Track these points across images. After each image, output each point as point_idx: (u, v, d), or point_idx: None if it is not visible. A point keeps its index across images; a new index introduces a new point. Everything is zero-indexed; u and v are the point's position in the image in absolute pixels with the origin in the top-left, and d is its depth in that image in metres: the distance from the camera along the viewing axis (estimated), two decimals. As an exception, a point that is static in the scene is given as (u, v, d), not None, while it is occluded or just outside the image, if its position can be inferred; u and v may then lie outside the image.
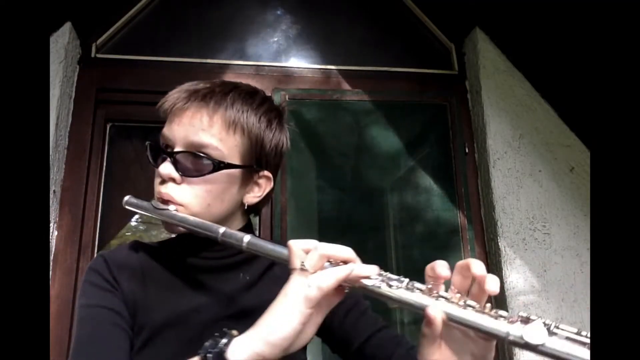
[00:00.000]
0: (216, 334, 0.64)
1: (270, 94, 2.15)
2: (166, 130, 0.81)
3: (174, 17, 2.30)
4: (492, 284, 0.60)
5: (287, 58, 2.31)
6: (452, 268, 0.65)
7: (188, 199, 0.79)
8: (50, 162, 1.86)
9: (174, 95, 0.82)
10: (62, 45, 1.99)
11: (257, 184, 0.86)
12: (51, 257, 1.85)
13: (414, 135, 2.22)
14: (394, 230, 2.11)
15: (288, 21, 2.39)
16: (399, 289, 0.62)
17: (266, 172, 0.86)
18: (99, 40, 2.17)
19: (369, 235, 2.08)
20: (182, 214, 0.78)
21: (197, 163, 0.78)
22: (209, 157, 0.78)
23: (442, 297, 0.61)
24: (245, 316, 0.78)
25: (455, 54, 2.39)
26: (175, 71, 2.15)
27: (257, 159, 0.84)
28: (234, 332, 0.63)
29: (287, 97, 2.14)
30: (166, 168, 0.78)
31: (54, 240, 1.88)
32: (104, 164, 2.06)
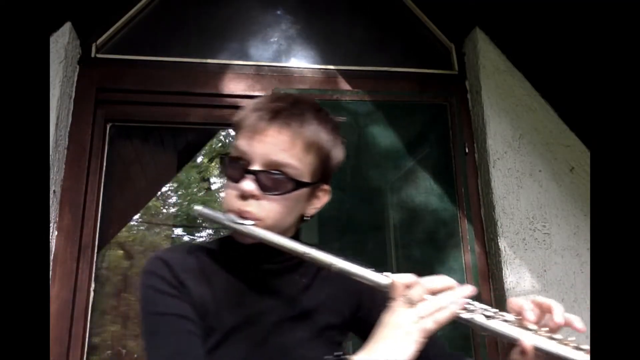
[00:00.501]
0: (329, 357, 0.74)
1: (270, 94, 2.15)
2: (245, 146, 0.83)
3: (174, 17, 2.30)
4: (580, 325, 0.73)
5: (287, 58, 2.31)
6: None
7: (265, 214, 0.82)
8: (50, 162, 1.85)
9: (256, 114, 0.84)
10: (62, 45, 1.99)
11: (317, 197, 0.91)
12: (51, 257, 1.85)
13: (414, 135, 2.22)
14: (394, 230, 2.11)
15: (288, 21, 2.39)
16: (493, 319, 0.73)
17: (326, 186, 0.92)
18: (99, 40, 2.17)
19: (369, 235, 2.08)
20: (262, 230, 0.81)
21: (278, 181, 0.82)
22: (289, 176, 0.82)
23: (530, 329, 0.72)
24: (307, 317, 0.86)
25: (455, 54, 2.39)
26: (175, 71, 2.15)
27: (323, 174, 0.89)
28: (352, 357, 0.70)
29: (287, 97, 2.14)
30: (249, 185, 0.80)
31: (54, 240, 1.88)
32: (104, 164, 2.06)
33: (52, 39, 1.98)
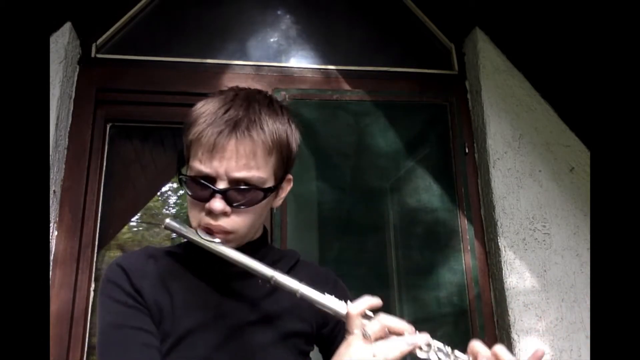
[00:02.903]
0: None
1: (270, 94, 2.15)
2: (207, 165, 0.80)
3: (174, 17, 2.30)
4: None
5: (287, 58, 2.31)
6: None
7: (237, 226, 0.82)
8: (50, 162, 1.85)
9: (211, 129, 0.80)
10: (62, 45, 1.99)
11: (283, 189, 0.92)
12: (51, 257, 1.85)
13: (414, 135, 2.22)
14: (394, 230, 2.11)
15: (288, 21, 2.39)
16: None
17: (289, 175, 0.92)
18: (99, 40, 2.17)
19: (369, 235, 2.08)
20: (231, 250, 0.82)
21: (246, 195, 0.81)
22: (257, 187, 0.82)
23: None
24: (269, 322, 0.84)
25: (455, 54, 2.39)
26: (175, 71, 2.15)
27: (286, 167, 0.89)
28: None
29: (287, 97, 2.14)
30: (219, 205, 0.79)
31: (54, 240, 1.88)
32: (104, 164, 2.06)
33: (52, 39, 1.98)
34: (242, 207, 0.82)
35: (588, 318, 1.93)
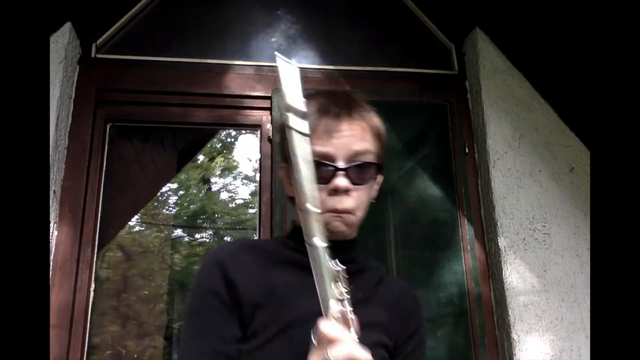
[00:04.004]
0: None
1: (270, 94, 2.15)
2: (325, 146, 0.85)
3: (174, 17, 2.30)
4: None
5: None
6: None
7: (357, 205, 0.87)
8: (50, 162, 1.85)
9: (324, 118, 0.86)
10: (62, 45, 1.99)
11: (377, 181, 0.94)
12: (51, 257, 1.85)
13: (413, 135, 2.22)
14: (394, 230, 2.11)
15: (288, 21, 2.39)
16: None
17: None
18: (99, 40, 2.17)
19: (369, 235, 2.08)
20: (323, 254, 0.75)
21: (364, 171, 0.87)
22: (371, 162, 0.87)
23: None
24: (361, 328, 0.81)
25: (455, 54, 2.39)
26: (175, 71, 2.15)
27: (382, 158, 0.92)
28: None
29: (287, 97, 2.14)
30: (343, 181, 0.84)
31: (54, 240, 1.88)
32: (104, 164, 2.06)
33: (52, 39, 1.98)
34: (361, 183, 0.86)
35: (588, 318, 1.93)
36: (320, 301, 0.71)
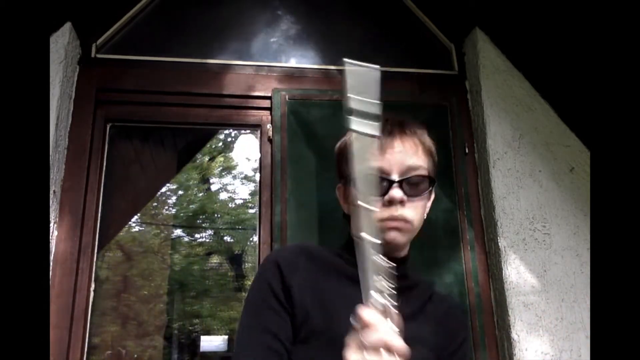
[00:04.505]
0: None
1: (270, 94, 2.15)
2: (380, 163, 0.89)
3: (174, 17, 2.30)
4: None
5: (287, 58, 2.31)
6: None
7: (412, 216, 0.90)
8: (50, 162, 1.85)
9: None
10: (62, 45, 1.99)
11: (430, 199, 0.98)
12: (51, 257, 1.85)
13: (414, 135, 2.22)
14: (394, 230, 2.11)
15: (288, 21, 2.39)
16: None
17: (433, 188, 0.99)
18: (99, 40, 2.17)
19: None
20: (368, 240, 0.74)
21: (417, 184, 0.91)
22: (424, 176, 0.92)
23: None
24: (407, 342, 0.81)
25: (455, 54, 2.39)
26: (175, 71, 2.15)
27: (434, 175, 0.96)
28: None
29: (287, 97, 2.13)
30: (398, 192, 0.88)
31: (54, 240, 1.88)
32: (104, 164, 2.06)
33: (52, 39, 1.98)
34: (416, 196, 0.90)
35: (588, 318, 1.93)
36: (362, 291, 0.72)
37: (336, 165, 1.00)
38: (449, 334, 0.95)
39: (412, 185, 0.90)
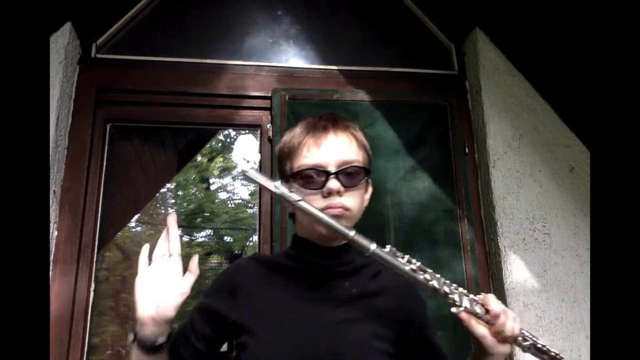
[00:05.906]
0: None
1: (270, 94, 2.15)
2: (316, 157, 0.95)
3: (174, 17, 2.30)
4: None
5: (287, 58, 2.31)
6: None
7: (351, 205, 0.95)
8: (50, 162, 1.85)
9: (311, 133, 0.98)
10: (62, 45, 1.99)
11: (367, 190, 1.04)
12: (51, 257, 1.85)
13: (414, 135, 2.22)
14: (394, 230, 2.11)
15: (288, 21, 2.39)
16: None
17: (369, 180, 1.04)
18: (99, 40, 2.17)
19: (369, 236, 2.07)
20: (306, 204, 0.89)
21: (353, 175, 0.96)
22: (359, 166, 0.97)
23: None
24: (358, 322, 0.94)
25: (455, 54, 2.39)
26: (175, 71, 2.15)
27: (369, 168, 1.02)
28: None
29: (287, 97, 2.14)
30: (335, 183, 0.93)
31: (54, 240, 1.88)
32: (104, 164, 2.06)
33: (52, 39, 1.98)
34: (352, 186, 0.95)
35: (588, 318, 1.93)
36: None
37: (278, 166, 1.05)
38: (400, 303, 1.00)
39: (347, 176, 0.94)
